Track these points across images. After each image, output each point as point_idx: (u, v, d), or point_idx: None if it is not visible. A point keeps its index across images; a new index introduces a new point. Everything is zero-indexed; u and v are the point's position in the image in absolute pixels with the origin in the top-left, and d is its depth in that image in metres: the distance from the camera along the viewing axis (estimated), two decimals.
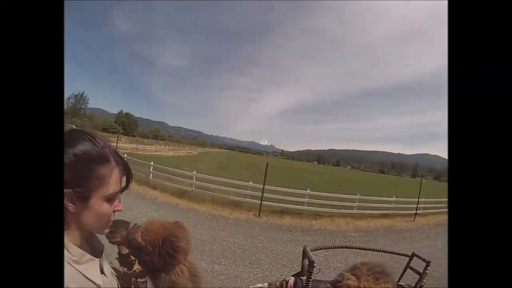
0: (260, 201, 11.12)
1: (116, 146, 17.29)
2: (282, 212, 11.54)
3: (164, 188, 12.93)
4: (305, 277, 1.35)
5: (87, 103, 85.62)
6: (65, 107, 79.38)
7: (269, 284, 1.39)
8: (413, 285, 1.46)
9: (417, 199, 15.06)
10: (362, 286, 1.28)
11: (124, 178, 1.04)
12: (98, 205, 0.91)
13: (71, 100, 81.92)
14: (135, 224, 1.42)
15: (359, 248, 1.70)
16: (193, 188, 12.70)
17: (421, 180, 18.15)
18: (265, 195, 11.33)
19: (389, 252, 1.71)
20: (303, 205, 12.17)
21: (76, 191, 0.85)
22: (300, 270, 1.43)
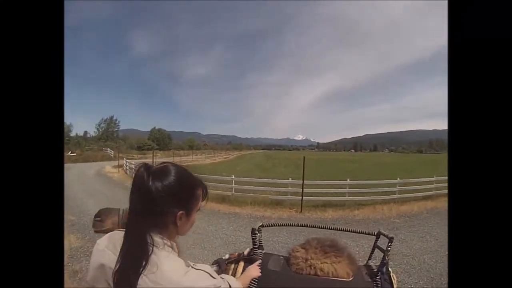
0: (301, 197, 10.98)
1: (152, 161, 17.74)
2: (324, 205, 11.38)
3: None
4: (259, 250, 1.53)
5: (118, 125, 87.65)
6: (97, 132, 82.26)
7: (230, 254, 1.58)
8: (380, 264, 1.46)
9: None
10: (309, 257, 1.37)
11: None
12: (194, 216, 1.16)
13: (101, 125, 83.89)
14: (124, 209, 1.45)
15: (314, 227, 1.80)
16: (233, 192, 12.77)
17: None
18: (306, 190, 11.18)
19: (353, 232, 1.74)
20: (344, 196, 11.94)
21: (185, 210, 1.08)
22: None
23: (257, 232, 1.58)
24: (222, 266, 1.48)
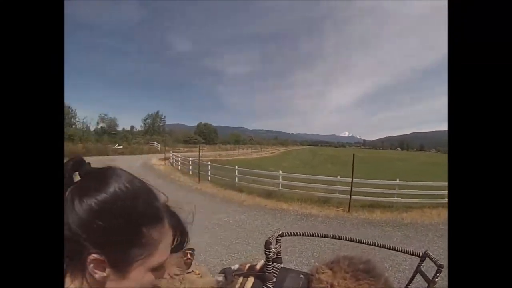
0: (349, 196, 10.73)
1: (199, 155, 18.11)
2: (372, 206, 11.08)
3: (251, 190, 13.17)
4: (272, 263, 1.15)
5: (164, 120, 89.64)
6: (143, 127, 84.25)
7: (240, 265, 1.26)
8: None
9: None
10: (336, 283, 1.03)
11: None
12: (139, 276, 0.68)
13: (147, 120, 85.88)
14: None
15: (351, 241, 1.35)
16: (280, 188, 12.82)
17: None
18: (354, 189, 10.90)
19: (396, 250, 1.34)
20: (393, 197, 11.54)
21: (111, 257, 0.64)
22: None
23: (271, 246, 1.13)
24: (228, 278, 1.23)
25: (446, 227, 6.13)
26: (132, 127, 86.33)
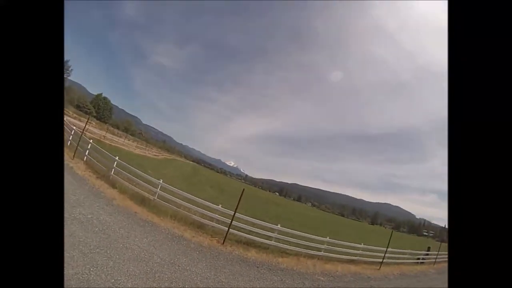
0: (227, 228, 10.17)
1: (84, 128, 15.99)
2: (248, 243, 10.67)
3: (124, 189, 11.72)
4: None
5: (69, 73, 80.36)
6: None
7: None
8: None
9: (383, 248, 15.47)
10: None
11: None
12: None
13: None
14: None
15: None
16: (155, 198, 11.49)
17: (392, 231, 18.85)
18: (233, 222, 10.40)
19: None
20: (271, 240, 11.43)
21: None
22: None
23: None
24: None
25: (321, 278, 6.30)
26: None
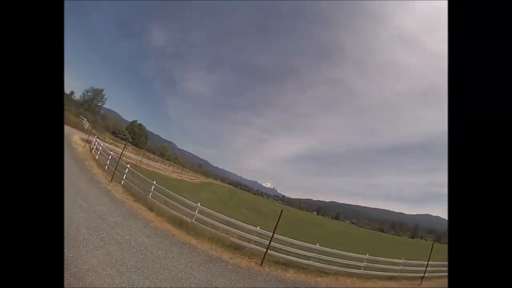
0: (266, 249, 10.06)
1: (122, 153, 16.55)
2: (286, 264, 10.48)
3: (162, 212, 11.88)
4: None
5: (104, 101, 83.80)
6: (82, 98, 76.84)
7: None
8: None
9: (425, 262, 15.02)
10: None
11: None
12: None
13: (89, 93, 79.82)
14: None
15: None
16: (193, 220, 11.55)
17: (433, 244, 17.74)
18: (271, 243, 10.29)
19: None
20: (310, 260, 11.20)
21: None
22: None
23: None
24: None
25: None
26: (72, 92, 78.52)
